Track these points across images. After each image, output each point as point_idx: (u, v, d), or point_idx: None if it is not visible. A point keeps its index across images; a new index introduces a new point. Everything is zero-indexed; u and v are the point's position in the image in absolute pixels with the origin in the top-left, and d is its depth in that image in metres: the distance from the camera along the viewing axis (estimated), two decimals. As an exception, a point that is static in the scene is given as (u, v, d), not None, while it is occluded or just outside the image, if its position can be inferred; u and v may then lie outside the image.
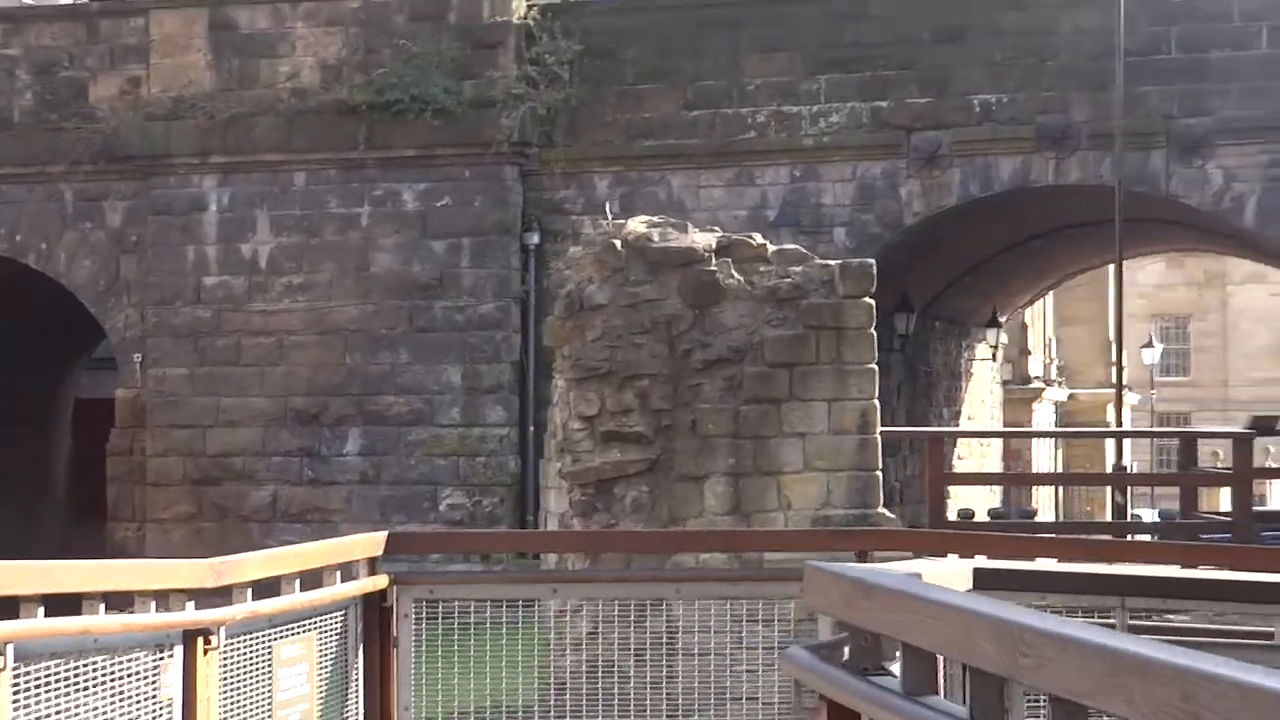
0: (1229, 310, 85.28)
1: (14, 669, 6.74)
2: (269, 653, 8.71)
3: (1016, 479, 45.48)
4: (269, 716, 8.71)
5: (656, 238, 17.16)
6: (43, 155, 32.83)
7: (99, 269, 33.06)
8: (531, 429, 30.56)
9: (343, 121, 31.56)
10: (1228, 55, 29.85)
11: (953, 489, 28.18)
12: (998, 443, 46.14)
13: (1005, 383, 50.39)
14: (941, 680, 4.60)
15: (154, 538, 31.59)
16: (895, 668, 4.65)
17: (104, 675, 7.42)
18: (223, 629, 8.16)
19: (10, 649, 6.70)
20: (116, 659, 7.52)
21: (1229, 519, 22.25)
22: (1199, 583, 8.12)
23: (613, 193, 30.75)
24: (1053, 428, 56.61)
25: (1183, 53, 29.96)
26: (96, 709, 7.34)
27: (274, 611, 8.76)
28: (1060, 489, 53.22)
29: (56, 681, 7.07)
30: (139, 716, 7.66)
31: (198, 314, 31.97)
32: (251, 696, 8.57)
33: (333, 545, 10.07)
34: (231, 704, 8.38)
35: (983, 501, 36.07)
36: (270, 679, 8.72)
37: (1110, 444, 51.90)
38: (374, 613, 9.72)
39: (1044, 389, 56.74)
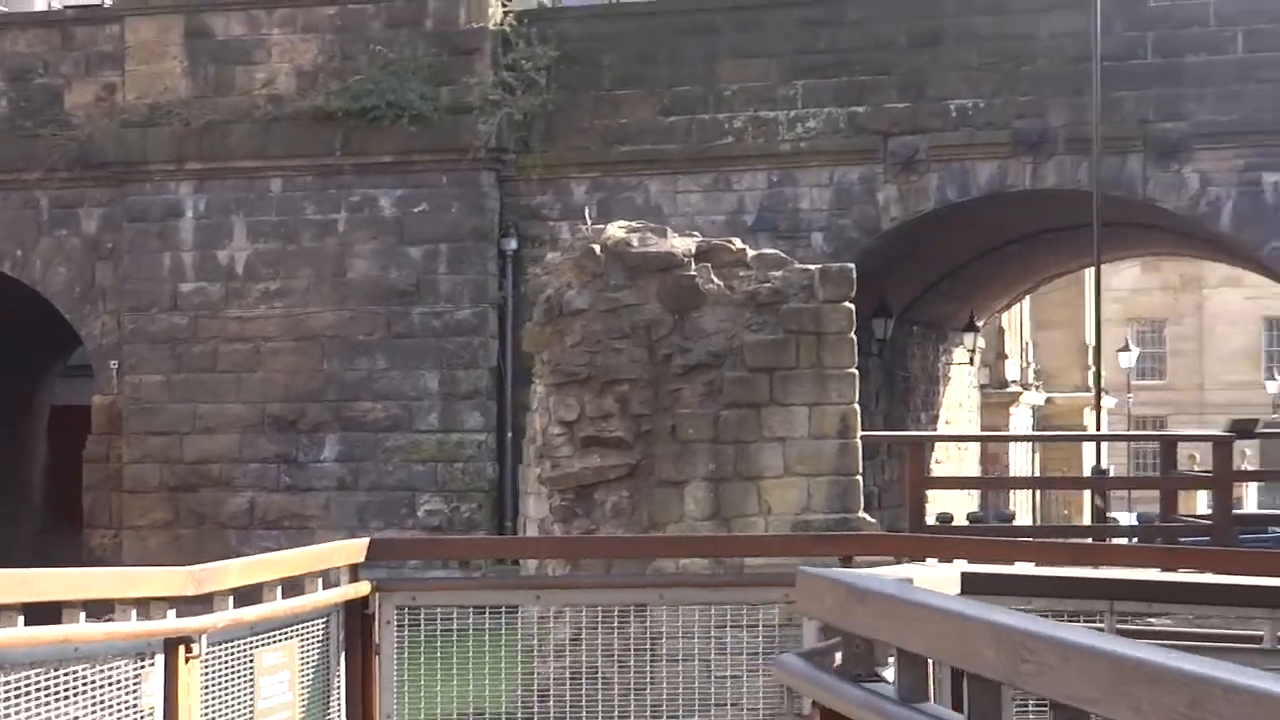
0: (1205, 314, 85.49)
1: (-6, 678, 6.69)
2: (251, 661, 8.67)
3: (997, 483, 45.49)
4: (251, 725, 8.67)
5: (636, 243, 17.14)
6: (18, 162, 32.71)
7: (75, 276, 32.97)
8: (509, 435, 30.52)
9: (319, 128, 31.49)
10: (1204, 60, 29.89)
11: (931, 493, 28.17)
12: (975, 447, 46.18)
13: (983, 387, 50.45)
14: (931, 685, 4.57)
15: (130, 545, 31.48)
16: (887, 673, 4.62)
17: (85, 684, 7.37)
18: (204, 637, 8.11)
19: (-10, 658, 6.65)
20: (97, 668, 7.47)
21: (1209, 522, 22.26)
22: (1188, 586, 8.10)
23: (590, 198, 30.73)
24: (1030, 432, 56.64)
25: (1159, 57, 29.99)
26: (77, 718, 7.28)
27: (256, 619, 8.71)
28: (1038, 493, 53.25)
29: (37, 691, 7.01)
30: (120, 725, 7.60)
31: (174, 320, 31.87)
32: (233, 705, 8.52)
33: (314, 552, 10.03)
34: (213, 712, 8.33)
35: (960, 505, 36.04)
36: (252, 687, 8.67)
37: (1087, 447, 51.98)
38: (356, 620, 9.68)
39: (1021, 393, 56.80)
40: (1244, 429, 23.31)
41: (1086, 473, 43.03)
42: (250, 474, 31.38)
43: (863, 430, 17.58)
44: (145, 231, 32.14)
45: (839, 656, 4.82)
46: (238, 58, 32.20)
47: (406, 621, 9.87)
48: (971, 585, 6.78)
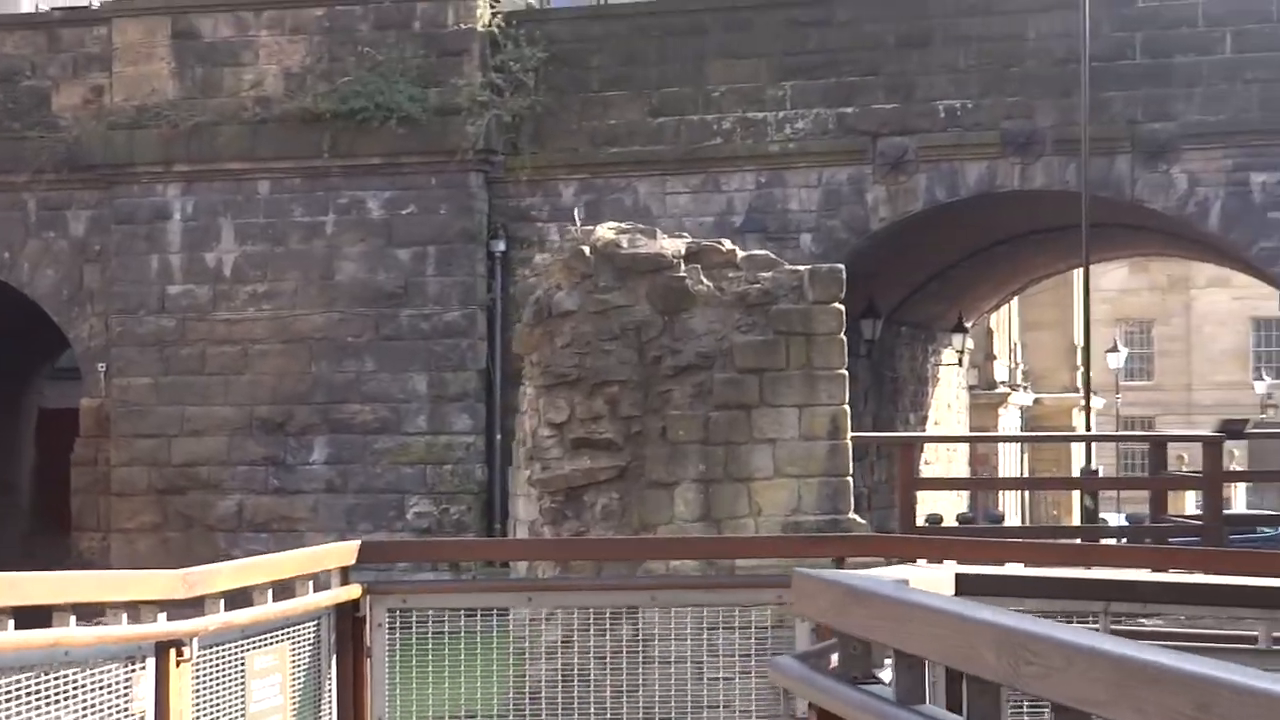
0: (1192, 314, 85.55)
1: (-16, 682, 6.66)
2: (242, 664, 8.63)
3: (988, 484, 45.52)
4: (242, 728, 8.64)
5: (625, 244, 17.11)
6: (5, 164, 32.65)
7: (62, 278, 32.91)
8: (498, 437, 30.51)
9: (307, 130, 31.45)
10: (1192, 60, 29.91)
11: (920, 494, 28.17)
12: (964, 448, 46.21)
13: (971, 388, 50.46)
14: (926, 687, 4.55)
15: (119, 548, 31.42)
16: (883, 675, 4.60)
17: (75, 688, 7.32)
18: (195, 640, 8.06)
19: (-20, 662, 6.62)
20: (88, 671, 7.42)
21: (1199, 522, 22.26)
22: (1184, 587, 8.08)
23: (578, 200, 30.69)
24: (1020, 432, 56.65)
25: (1147, 58, 30.00)
26: (68, 722, 7.25)
27: (247, 622, 8.67)
28: (1027, 494, 53.28)
29: (27, 695, 6.97)
30: (111, 729, 7.57)
31: (162, 323, 31.82)
32: (224, 708, 8.48)
33: (305, 555, 9.99)
34: (204, 716, 8.29)
35: (949, 506, 36.06)
36: (243, 690, 8.63)
37: (1076, 448, 51.99)
38: (347, 623, 9.64)
39: (1010, 394, 56.81)
40: (1234, 429, 23.31)
41: (1075, 473, 43.11)
42: (239, 476, 31.34)
43: (852, 431, 17.57)
44: (133, 234, 32.09)
45: (835, 658, 4.79)
46: (225, 59, 32.15)
47: (398, 624, 9.84)
48: (966, 586, 6.76)
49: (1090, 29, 28.72)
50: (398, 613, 9.85)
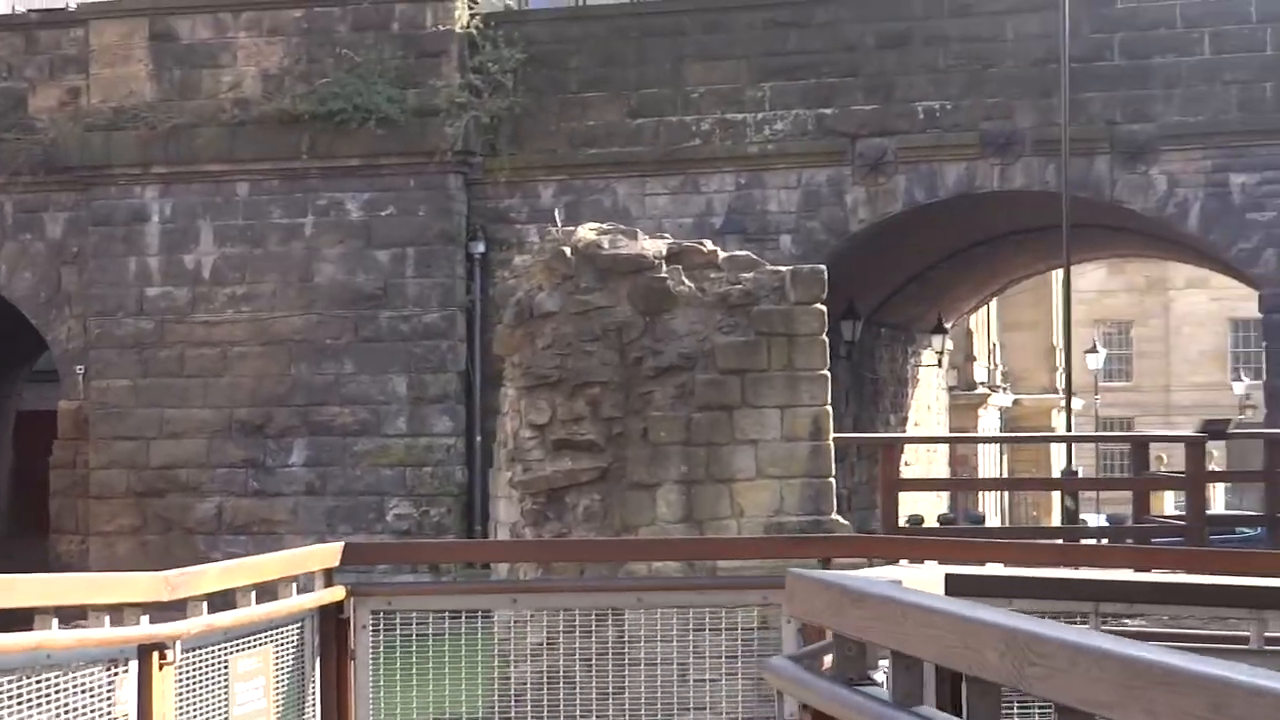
0: (1171, 315, 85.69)
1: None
2: (225, 667, 8.58)
3: (972, 484, 45.56)
4: (225, 731, 8.58)
5: (606, 245, 17.07)
6: (-18, 166, 32.55)
7: (40, 280, 32.80)
8: (478, 438, 30.45)
9: (285, 131, 31.37)
10: (1170, 61, 29.93)
11: (901, 495, 28.17)
12: (944, 448, 46.23)
13: (951, 389, 50.50)
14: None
15: (97, 551, 31.31)
16: (877, 676, 4.56)
17: (57, 692, 7.27)
18: (178, 643, 8.01)
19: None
20: (69, 675, 7.37)
21: (1182, 522, 22.27)
22: (1175, 587, 8.06)
23: (557, 201, 30.64)
24: (998, 433, 56.71)
25: (1126, 59, 30.02)
26: (50, 726, 7.19)
27: (230, 624, 8.62)
28: (1006, 494, 53.32)
29: (9, 699, 6.92)
30: (93, 733, 7.51)
31: (140, 325, 31.71)
32: (208, 711, 8.43)
33: (288, 557, 9.94)
34: (188, 719, 8.24)
35: (930, 507, 36.06)
36: (226, 693, 8.58)
37: (1055, 449, 52.04)
38: (331, 625, 9.59)
39: (989, 395, 56.86)
40: (1216, 430, 23.33)
41: (1055, 474, 43.14)
42: (218, 479, 31.24)
43: (833, 433, 17.53)
44: (111, 236, 31.98)
45: (828, 659, 4.75)
46: (203, 61, 32.06)
47: (382, 626, 9.79)
48: (955, 587, 6.72)
49: (1069, 30, 28.73)
50: (381, 614, 9.80)
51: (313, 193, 31.48)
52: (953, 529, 27.44)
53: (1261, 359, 33.47)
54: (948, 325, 44.80)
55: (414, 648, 9.92)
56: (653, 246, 17.15)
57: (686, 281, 16.88)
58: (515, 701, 10.68)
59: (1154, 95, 29.96)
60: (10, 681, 6.95)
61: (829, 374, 17.24)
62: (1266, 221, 29.68)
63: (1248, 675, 2.85)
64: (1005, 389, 60.75)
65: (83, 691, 7.46)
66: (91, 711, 7.50)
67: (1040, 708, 7.18)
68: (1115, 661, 3.19)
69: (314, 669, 9.51)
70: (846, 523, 17.54)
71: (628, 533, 16.18)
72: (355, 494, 30.89)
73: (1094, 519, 39.36)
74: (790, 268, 17.63)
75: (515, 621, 10.90)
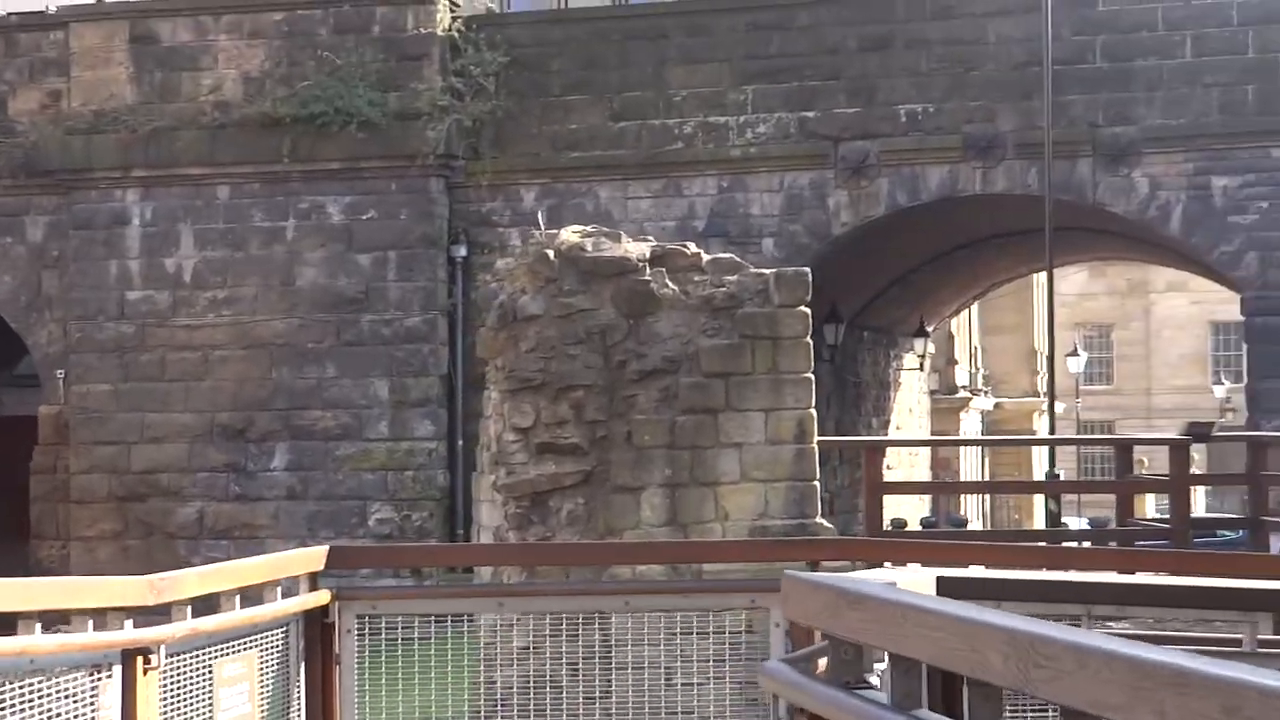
0: (1152, 319, 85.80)
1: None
2: (210, 671, 8.52)
3: (957, 487, 45.59)
4: (209, 736, 8.52)
5: (590, 247, 17.02)
6: (-38, 170, 32.45)
7: (20, 284, 32.69)
8: (460, 442, 30.40)
9: (266, 134, 31.30)
10: (1152, 64, 29.95)
11: (883, 498, 28.15)
12: (926, 452, 46.24)
13: (933, 392, 50.52)
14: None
15: (78, 556, 31.22)
16: (871, 679, 4.51)
17: (40, 697, 7.22)
18: (163, 647, 7.96)
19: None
20: (53, 680, 7.32)
21: (1166, 525, 22.26)
22: (1171, 590, 8.03)
23: (539, 204, 30.60)
24: (981, 436, 56.79)
25: (1107, 61, 30.04)
26: (33, 732, 7.13)
27: (214, 629, 8.56)
28: (988, 497, 53.35)
29: (-8, 704, 6.87)
30: (77, 739, 7.45)
31: (121, 329, 31.63)
32: (192, 716, 8.37)
33: (273, 561, 9.88)
34: (172, 724, 8.18)
35: (913, 511, 36.07)
36: (211, 698, 8.52)
37: (1035, 452, 52.09)
38: (315, 629, 9.53)
39: (971, 398, 56.90)
40: (1201, 433, 23.34)
41: (1037, 477, 43.16)
42: (199, 483, 31.17)
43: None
44: (91, 239, 31.89)
45: (822, 663, 4.71)
46: (184, 64, 31.98)
47: (367, 630, 9.73)
48: (947, 589, 6.68)
49: (1051, 33, 28.75)
50: (366, 618, 9.74)
51: (294, 196, 31.42)
52: (936, 532, 27.41)
53: (1241, 362, 33.51)
54: (929, 329, 44.82)
55: (399, 652, 9.86)
56: (636, 249, 17.11)
57: (670, 284, 16.84)
58: (501, 706, 10.63)
59: (1136, 98, 29.98)
60: (-7, 687, 6.89)
61: (813, 377, 17.19)
62: (1248, 224, 29.70)
63: (1262, 677, 2.80)
64: (986, 392, 60.81)
65: (66, 697, 7.41)
66: (75, 717, 7.44)
67: (1035, 709, 7.14)
68: (1124, 663, 3.14)
69: (299, 673, 9.46)
70: (831, 526, 17.51)
71: (612, 536, 16.13)
72: (337, 498, 30.82)
73: (1075, 522, 39.36)
74: (774, 270, 17.59)
75: (500, 625, 10.85)
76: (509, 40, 31.78)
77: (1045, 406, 49.54)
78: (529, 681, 10.42)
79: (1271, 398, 29.65)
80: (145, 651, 7.78)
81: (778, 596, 9.50)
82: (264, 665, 9.06)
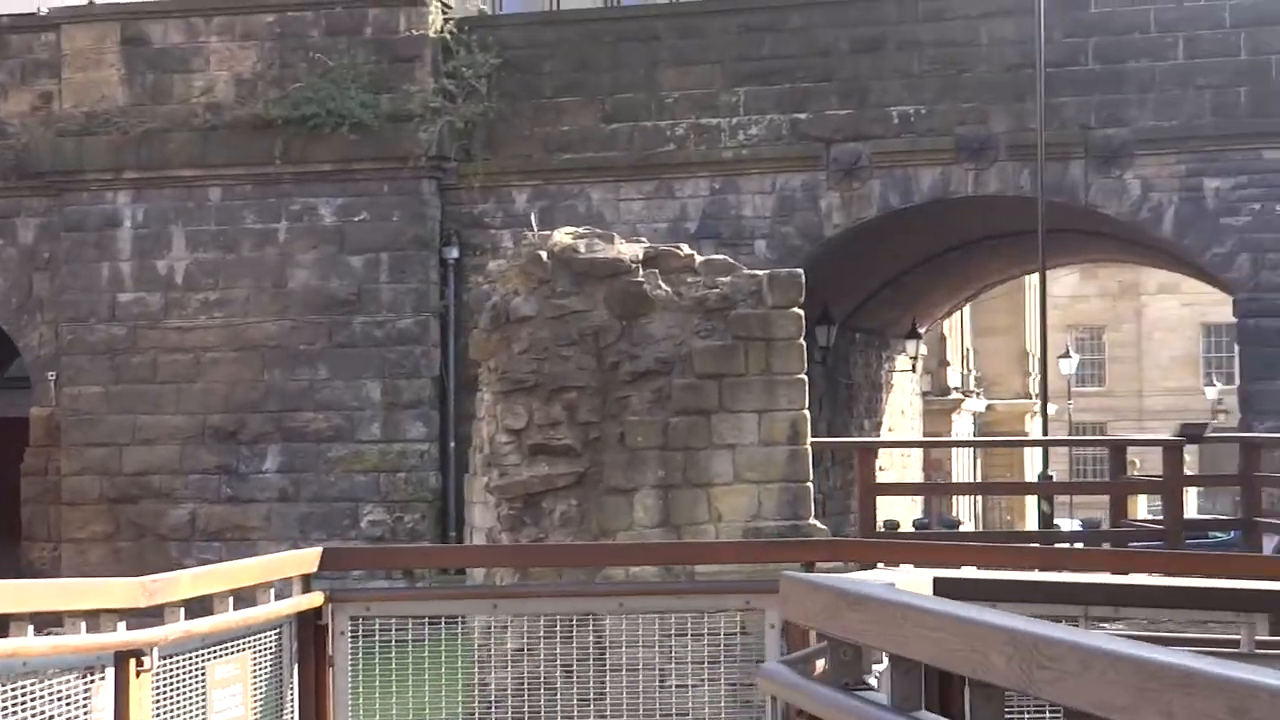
0: (1143, 321, 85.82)
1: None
2: (203, 673, 8.49)
3: (948, 489, 45.57)
4: (203, 739, 8.50)
5: (583, 248, 17.01)
6: (-47, 172, 32.39)
7: (11, 286, 32.64)
8: (452, 444, 30.36)
9: (258, 136, 31.25)
10: (1145, 66, 29.94)
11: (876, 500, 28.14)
12: (918, 453, 46.25)
13: (925, 394, 50.51)
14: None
15: (70, 558, 31.17)
16: (869, 680, 4.49)
17: (33, 699, 7.19)
18: (155, 649, 7.93)
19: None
20: (46, 682, 7.29)
21: (1159, 526, 22.26)
22: (1166, 590, 8.01)
23: (532, 206, 30.57)
24: (974, 438, 56.81)
25: (1100, 63, 30.02)
26: (27, 734, 7.10)
27: (207, 631, 8.53)
28: (979, 499, 53.36)
29: (-16, 706, 6.84)
30: (70, 741, 7.43)
31: (113, 331, 31.58)
32: (185, 718, 8.34)
33: (266, 562, 9.86)
34: (165, 726, 8.15)
35: (905, 512, 36.05)
36: (204, 700, 8.49)
37: (1027, 454, 52.12)
38: (309, 630, 9.50)
39: (963, 400, 56.91)
40: (1194, 434, 23.34)
41: (1030, 478, 43.16)
42: (191, 485, 31.11)
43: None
44: (83, 241, 31.84)
45: (820, 664, 4.68)
46: (176, 66, 31.93)
47: (360, 632, 9.71)
48: (943, 590, 6.65)
49: (1043, 35, 28.75)
50: (360, 620, 9.71)
51: (286, 198, 31.38)
52: (929, 533, 27.39)
53: (1232, 364, 33.54)
54: (922, 330, 44.83)
55: (393, 654, 9.84)
56: (629, 250, 17.09)
57: (663, 285, 16.82)
58: (494, 707, 10.61)
59: (1128, 100, 29.97)
60: (-15, 689, 6.87)
61: (806, 378, 17.18)
62: (1240, 226, 29.69)
63: (1270, 677, 2.77)
64: (979, 394, 60.81)
65: (59, 699, 7.38)
66: (68, 719, 7.41)
67: (1034, 710, 7.11)
68: (1130, 664, 3.11)
69: (292, 675, 9.43)
70: (824, 527, 17.49)
71: (605, 538, 16.11)
72: (329, 500, 30.78)
73: (1067, 524, 39.36)
74: (768, 271, 17.57)
75: (499, 627, 10.83)
76: (501, 42, 31.75)
77: (1037, 408, 49.57)
78: (522, 683, 10.40)
79: (1264, 399, 29.64)
80: (138, 653, 7.76)
81: (773, 598, 9.49)
82: (257, 667, 9.03)
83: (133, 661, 7.73)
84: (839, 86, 30.80)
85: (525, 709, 10.20)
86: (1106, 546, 21.36)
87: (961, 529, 41.20)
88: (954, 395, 55.86)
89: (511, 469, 16.62)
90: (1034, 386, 59.99)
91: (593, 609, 10.26)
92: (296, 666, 9.45)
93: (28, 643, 7.24)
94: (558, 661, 10.02)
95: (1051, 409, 55.15)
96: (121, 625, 7.90)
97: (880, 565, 10.72)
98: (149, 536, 31.03)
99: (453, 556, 18.48)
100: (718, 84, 31.12)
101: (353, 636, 9.67)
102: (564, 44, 31.90)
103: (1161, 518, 23.78)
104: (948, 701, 4.27)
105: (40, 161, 32.08)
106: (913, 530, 29.17)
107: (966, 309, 55.69)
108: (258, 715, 9.00)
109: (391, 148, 30.99)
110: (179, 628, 8.27)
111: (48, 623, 7.85)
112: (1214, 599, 7.63)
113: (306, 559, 9.80)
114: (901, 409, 45.05)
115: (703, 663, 10.09)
